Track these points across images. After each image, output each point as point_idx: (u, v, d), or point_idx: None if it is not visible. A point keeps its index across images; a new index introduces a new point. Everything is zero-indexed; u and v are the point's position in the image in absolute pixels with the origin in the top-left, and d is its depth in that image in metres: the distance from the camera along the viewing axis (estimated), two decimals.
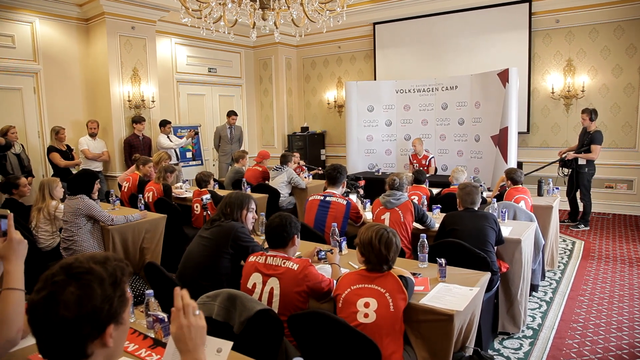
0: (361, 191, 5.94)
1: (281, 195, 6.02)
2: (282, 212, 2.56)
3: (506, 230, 3.65)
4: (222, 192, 5.48)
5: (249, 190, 5.81)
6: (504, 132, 6.81)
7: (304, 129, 9.93)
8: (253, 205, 3.02)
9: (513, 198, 4.48)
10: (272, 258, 2.40)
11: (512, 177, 4.70)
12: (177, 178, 5.82)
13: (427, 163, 7.40)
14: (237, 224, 2.86)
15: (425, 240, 2.89)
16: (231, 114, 8.01)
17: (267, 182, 6.42)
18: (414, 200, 4.11)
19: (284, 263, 2.39)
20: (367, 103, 8.46)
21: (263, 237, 3.05)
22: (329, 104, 9.83)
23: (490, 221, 3.36)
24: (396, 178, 3.89)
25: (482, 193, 4.73)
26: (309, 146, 9.75)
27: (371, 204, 4.28)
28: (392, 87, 8.22)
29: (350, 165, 8.40)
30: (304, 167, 7.29)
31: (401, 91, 8.35)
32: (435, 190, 5.38)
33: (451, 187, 5.03)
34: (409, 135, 8.52)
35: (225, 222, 2.84)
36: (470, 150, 7.67)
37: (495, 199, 4.14)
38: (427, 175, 6.21)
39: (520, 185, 4.62)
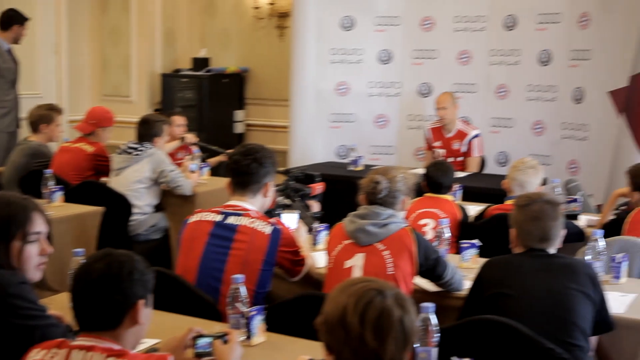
0: (314, 206, 4.53)
1: (135, 207, 4.98)
2: (120, 254, 2.07)
3: (621, 302, 3.07)
4: None
5: (58, 196, 4.73)
6: (639, 82, 5.67)
7: (200, 62, 8.31)
8: (40, 228, 2.47)
9: None
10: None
11: None
12: None
13: (464, 148, 6.19)
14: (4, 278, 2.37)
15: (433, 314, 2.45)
16: (16, 19, 6.65)
17: (103, 178, 5.36)
18: (417, 232, 3.23)
19: None
20: (341, 9, 7.03)
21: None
22: (257, 8, 8.24)
23: (583, 280, 2.80)
24: (381, 179, 3.17)
25: (576, 215, 4.34)
26: (208, 103, 8.10)
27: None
28: None
29: (297, 149, 7.12)
30: (193, 149, 6.05)
31: None
32: (474, 208, 4.61)
33: (507, 201, 4.19)
34: (427, 86, 6.99)
35: None
36: (563, 122, 6.39)
37: (600, 230, 3.45)
38: (461, 175, 5.42)
39: None
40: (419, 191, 3.72)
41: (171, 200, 5.26)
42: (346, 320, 1.74)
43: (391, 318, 1.74)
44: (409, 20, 7.03)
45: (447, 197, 4.35)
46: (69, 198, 4.88)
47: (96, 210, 4.77)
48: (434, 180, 4.39)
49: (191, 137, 6.12)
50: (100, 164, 5.36)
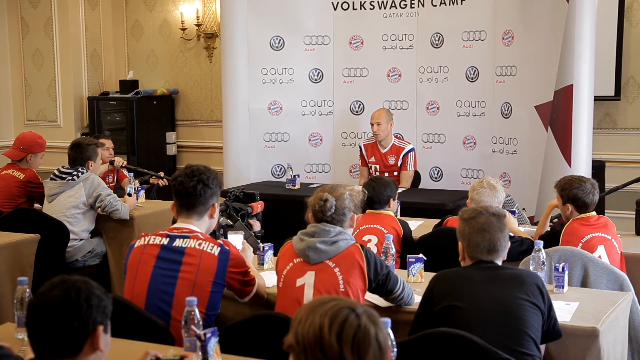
0: (256, 225, 4.65)
1: (72, 234, 4.92)
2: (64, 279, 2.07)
3: (566, 310, 3.14)
4: None
5: None
6: (564, 96, 5.85)
7: (128, 85, 8.20)
8: None
9: (580, 243, 3.89)
10: None
11: (576, 195, 3.99)
12: None
13: (398, 163, 6.27)
14: None
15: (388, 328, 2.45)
16: None
17: (36, 205, 5.37)
18: (366, 248, 3.22)
19: None
20: (270, 29, 7.03)
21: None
22: (184, 30, 8.21)
23: (531, 290, 2.84)
24: (329, 197, 3.19)
25: (514, 225, 4.39)
26: (138, 126, 7.99)
27: (276, 254, 3.50)
28: None
29: (232, 170, 7.06)
30: (127, 173, 6.04)
31: (344, 5, 6.96)
32: (413, 224, 4.68)
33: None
34: (360, 103, 7.05)
35: None
36: (493, 136, 6.52)
37: (541, 241, 3.56)
38: (399, 189, 5.28)
39: (594, 214, 4.01)
40: (362, 207, 3.65)
41: (108, 225, 5.17)
42: (323, 341, 1.73)
43: (368, 335, 1.73)
44: (338, 39, 7.06)
45: (388, 212, 4.33)
46: (1, 226, 4.74)
47: (32, 237, 4.65)
48: (369, 197, 4.34)
49: (119, 160, 6.02)
50: (33, 191, 5.25)
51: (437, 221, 4.62)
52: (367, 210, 4.32)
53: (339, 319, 1.74)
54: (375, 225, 4.25)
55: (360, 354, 1.73)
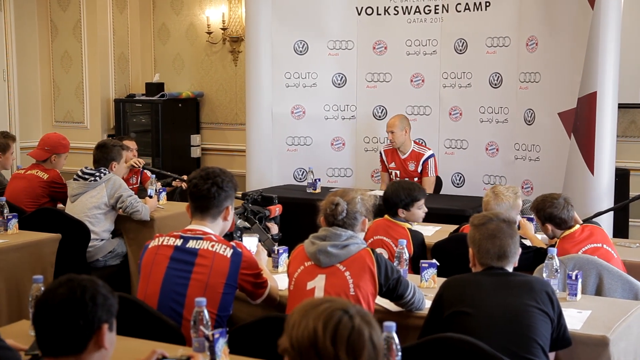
0: (273, 228, 4.66)
1: (93, 234, 4.92)
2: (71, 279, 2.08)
3: (578, 318, 3.10)
4: None
5: (13, 224, 4.62)
6: (587, 103, 5.76)
7: (154, 87, 8.17)
8: None
9: (585, 247, 3.88)
10: None
11: (552, 214, 3.92)
12: None
13: (418, 169, 6.21)
14: None
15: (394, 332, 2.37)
16: None
17: (59, 205, 5.32)
18: (377, 252, 3.19)
19: None
20: (294, 34, 7.02)
21: None
22: (210, 34, 8.14)
23: (540, 297, 2.81)
24: (340, 201, 3.17)
25: (530, 231, 4.34)
26: (163, 128, 8.02)
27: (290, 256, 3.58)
28: (348, 1, 6.97)
29: (254, 173, 7.03)
30: (150, 175, 5.90)
31: (368, 10, 6.88)
32: (430, 229, 4.65)
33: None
34: (383, 108, 6.99)
35: None
36: (515, 143, 6.48)
37: (554, 249, 3.50)
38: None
39: (577, 227, 3.95)
40: (373, 212, 3.63)
41: (129, 226, 5.19)
42: (318, 343, 1.74)
43: (362, 336, 1.75)
44: (362, 44, 7.04)
45: (403, 224, 4.21)
46: (24, 225, 4.78)
47: (53, 237, 4.68)
48: (391, 200, 4.29)
49: (137, 161, 6.02)
50: (56, 191, 5.29)
51: (454, 227, 4.55)
52: (385, 216, 4.26)
53: (332, 321, 1.74)
54: (386, 239, 4.16)
55: (355, 355, 1.74)
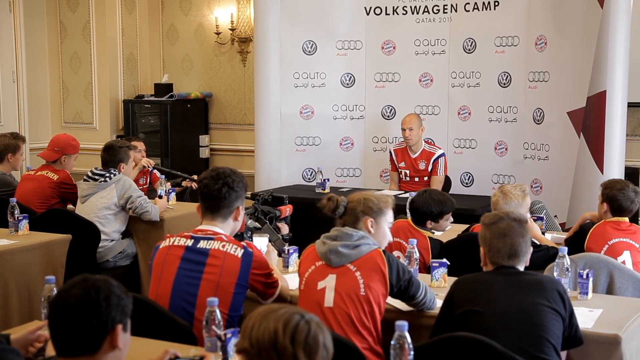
0: (284, 228, 4.68)
1: (103, 235, 4.94)
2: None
3: (589, 317, 3.09)
4: None
5: (23, 225, 4.64)
6: (597, 102, 5.77)
7: (163, 88, 8.19)
8: None
9: (606, 245, 3.82)
10: None
11: (614, 197, 3.92)
12: None
13: (429, 169, 6.21)
14: None
15: (406, 331, 2.37)
16: None
17: (69, 206, 5.34)
18: (388, 253, 3.18)
19: None
20: (303, 34, 7.02)
21: None
22: (218, 34, 8.17)
23: (552, 296, 2.81)
24: (334, 196, 3.23)
25: (541, 232, 4.30)
26: (172, 129, 8.04)
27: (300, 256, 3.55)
28: (357, 1, 6.97)
29: (263, 173, 7.05)
30: (159, 175, 5.88)
31: (377, 10, 6.88)
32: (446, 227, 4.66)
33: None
34: (392, 108, 7.00)
35: None
36: (524, 142, 6.47)
37: (565, 247, 3.47)
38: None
39: (627, 220, 3.93)
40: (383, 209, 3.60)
41: (139, 227, 5.19)
42: (278, 343, 1.84)
43: (317, 338, 1.86)
44: (370, 44, 7.03)
45: (425, 232, 4.16)
46: (35, 226, 4.78)
47: (63, 238, 4.68)
48: (412, 206, 4.21)
49: (147, 161, 6.02)
50: (66, 192, 5.29)
51: (463, 226, 4.53)
52: (408, 219, 4.22)
53: (291, 323, 1.85)
54: (405, 244, 4.04)
55: (311, 355, 1.84)
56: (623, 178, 5.80)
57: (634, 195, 3.99)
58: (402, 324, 2.40)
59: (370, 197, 3.31)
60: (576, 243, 3.99)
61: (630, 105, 6.14)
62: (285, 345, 1.84)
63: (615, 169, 5.79)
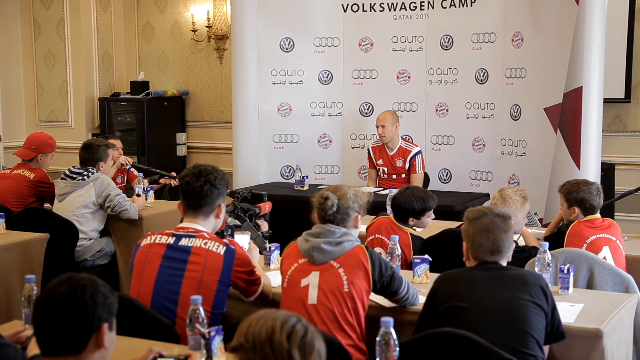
0: (263, 226, 4.65)
1: (81, 234, 4.93)
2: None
3: (571, 312, 3.13)
4: None
5: (0, 224, 4.67)
6: (573, 98, 5.84)
7: (139, 86, 8.19)
8: None
9: (584, 244, 3.88)
10: None
11: (584, 199, 3.99)
12: None
13: (406, 166, 6.24)
14: None
15: (393, 332, 2.40)
16: None
17: (47, 205, 5.34)
18: (371, 249, 3.20)
19: None
20: (280, 31, 7.03)
21: None
22: (195, 31, 8.20)
23: (534, 291, 2.84)
24: (330, 195, 3.16)
25: (524, 227, 4.35)
26: (149, 126, 8.01)
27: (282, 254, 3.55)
28: None
29: (241, 171, 7.03)
30: (137, 173, 6.00)
31: (354, 7, 6.93)
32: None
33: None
34: (370, 105, 7.02)
35: None
36: (502, 138, 6.51)
37: (546, 242, 3.52)
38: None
39: (599, 216, 4.00)
40: (365, 208, 3.59)
41: (117, 225, 5.18)
42: (274, 338, 1.84)
43: (313, 342, 1.86)
44: (348, 41, 7.03)
45: (406, 229, 4.16)
46: (12, 225, 4.75)
47: (41, 236, 4.65)
48: (395, 206, 4.20)
49: (125, 159, 6.01)
50: (43, 190, 5.26)
51: (444, 223, 4.54)
52: (390, 216, 4.22)
53: (289, 323, 1.86)
54: (386, 240, 4.06)
55: (305, 355, 1.85)
56: (599, 174, 5.87)
57: (597, 191, 4.02)
58: (388, 320, 2.40)
59: (360, 193, 3.30)
60: (555, 245, 3.98)
61: (606, 101, 6.18)
62: (282, 341, 1.84)
63: (591, 165, 5.82)
